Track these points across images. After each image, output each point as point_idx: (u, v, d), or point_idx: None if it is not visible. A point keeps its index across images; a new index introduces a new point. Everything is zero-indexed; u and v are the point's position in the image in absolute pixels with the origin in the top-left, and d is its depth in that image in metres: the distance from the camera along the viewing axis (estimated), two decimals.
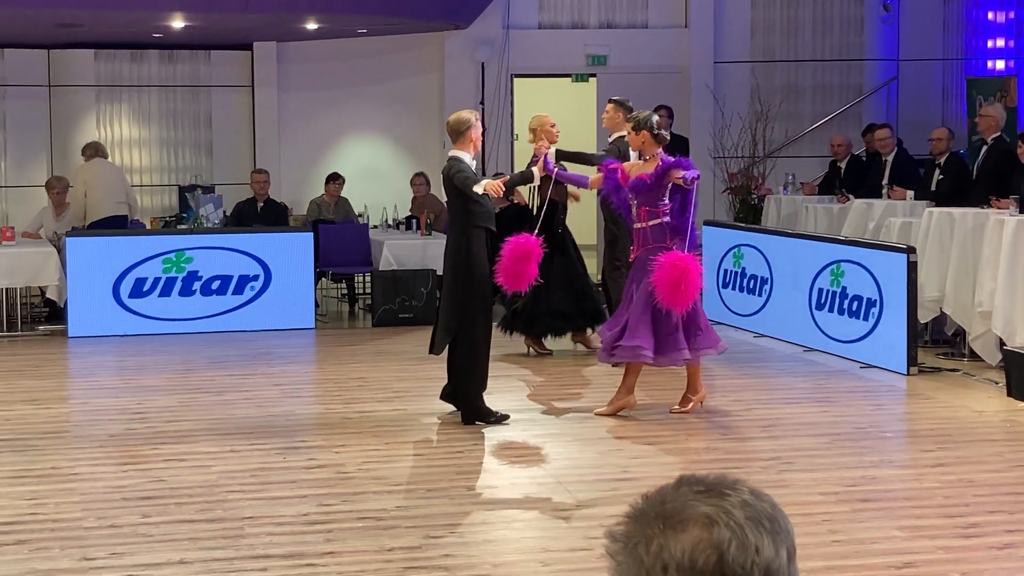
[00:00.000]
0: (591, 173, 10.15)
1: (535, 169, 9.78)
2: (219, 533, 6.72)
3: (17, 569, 6.22)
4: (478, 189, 8.99)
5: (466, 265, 9.14)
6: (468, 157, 9.27)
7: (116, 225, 14.54)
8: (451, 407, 9.45)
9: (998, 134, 12.97)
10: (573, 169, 10.71)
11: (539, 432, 9.06)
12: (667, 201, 9.31)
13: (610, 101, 11.82)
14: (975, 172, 13.06)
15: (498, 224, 9.48)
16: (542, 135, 11.11)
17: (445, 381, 9.54)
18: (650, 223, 9.30)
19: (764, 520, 1.69)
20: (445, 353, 9.36)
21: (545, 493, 7.54)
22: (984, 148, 12.94)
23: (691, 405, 9.48)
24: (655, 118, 9.49)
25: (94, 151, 15.03)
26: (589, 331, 12.02)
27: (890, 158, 14.25)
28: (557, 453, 8.54)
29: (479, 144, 9.44)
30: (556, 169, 9.82)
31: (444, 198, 9.80)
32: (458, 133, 9.32)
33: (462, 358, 9.25)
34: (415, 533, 6.73)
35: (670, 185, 9.25)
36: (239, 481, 7.74)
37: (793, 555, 1.72)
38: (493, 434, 8.96)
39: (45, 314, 14.34)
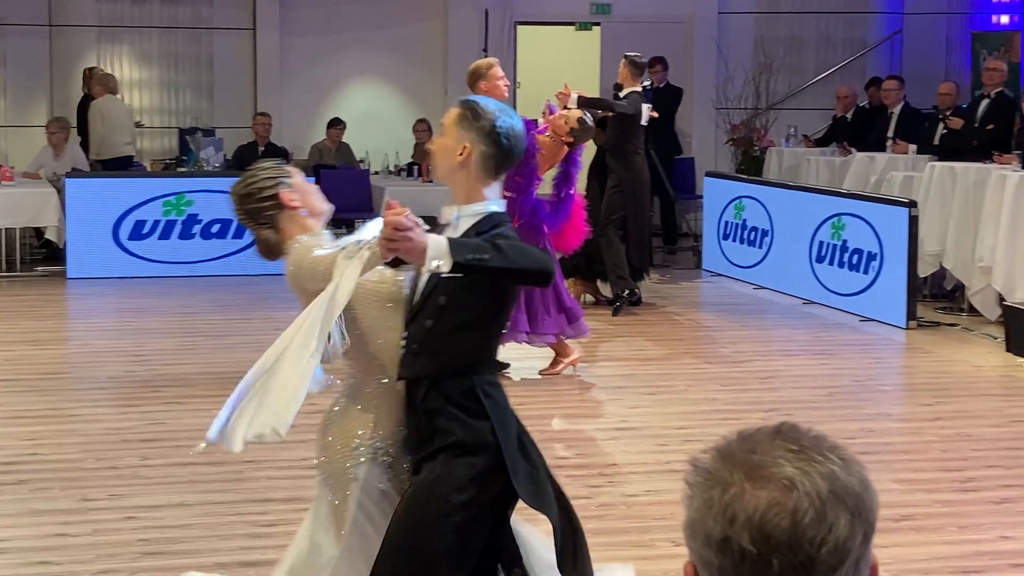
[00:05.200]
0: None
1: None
2: (219, 476, 6.73)
3: (17, 508, 6.25)
4: None
5: None
6: None
7: (123, 166, 14.52)
8: None
9: (1000, 88, 12.91)
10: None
11: (537, 381, 9.07)
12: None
13: (624, 57, 11.96)
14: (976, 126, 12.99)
15: None
16: None
17: None
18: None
19: (848, 497, 1.63)
20: None
21: (542, 442, 7.53)
22: (986, 102, 12.85)
23: (560, 367, 9.22)
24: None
25: (107, 86, 14.98)
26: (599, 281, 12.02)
27: (896, 111, 14.20)
28: (555, 402, 8.56)
29: (496, 93, 8.83)
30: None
31: None
32: (469, 86, 9.15)
33: None
34: None
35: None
36: None
37: (870, 536, 1.66)
38: None
39: (43, 255, 14.32)
